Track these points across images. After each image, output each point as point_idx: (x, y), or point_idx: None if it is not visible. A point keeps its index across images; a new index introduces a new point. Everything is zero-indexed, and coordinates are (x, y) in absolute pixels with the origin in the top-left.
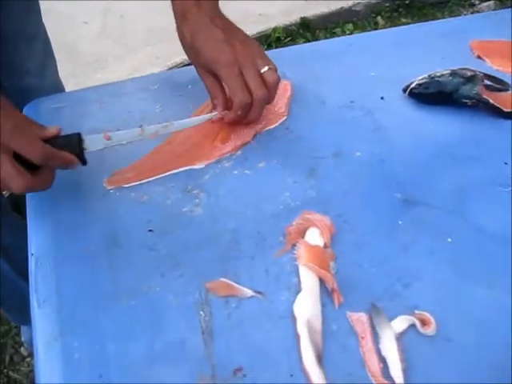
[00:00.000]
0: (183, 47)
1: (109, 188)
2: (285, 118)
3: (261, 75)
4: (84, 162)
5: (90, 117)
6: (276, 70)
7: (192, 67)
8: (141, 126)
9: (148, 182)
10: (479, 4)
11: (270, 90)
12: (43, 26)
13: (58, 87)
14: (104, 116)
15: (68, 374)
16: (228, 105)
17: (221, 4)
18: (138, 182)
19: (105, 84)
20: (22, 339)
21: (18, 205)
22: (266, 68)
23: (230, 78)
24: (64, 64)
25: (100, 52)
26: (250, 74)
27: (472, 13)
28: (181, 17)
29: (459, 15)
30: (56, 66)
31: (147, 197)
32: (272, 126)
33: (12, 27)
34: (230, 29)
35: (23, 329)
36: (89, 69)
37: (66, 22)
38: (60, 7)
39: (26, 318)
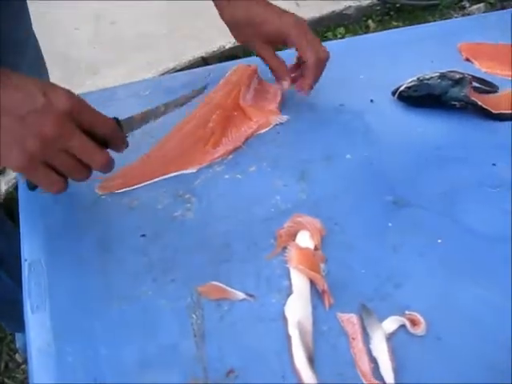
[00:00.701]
0: (232, 27)
1: (100, 194)
2: (276, 122)
3: None
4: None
5: None
6: None
7: (184, 72)
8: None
9: (139, 187)
10: (469, 7)
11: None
12: (33, 33)
13: None
14: None
15: (62, 379)
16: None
17: (213, 9)
18: (130, 188)
19: (96, 90)
20: (17, 346)
21: (11, 211)
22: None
23: (300, 38)
24: (55, 70)
25: (91, 58)
26: (312, 36)
27: (463, 15)
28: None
29: (450, 18)
30: (47, 73)
31: (138, 202)
32: (263, 131)
33: (2, 34)
34: (275, 5)
35: (18, 336)
36: (80, 75)
37: (57, 29)
38: (51, 13)
39: (20, 325)
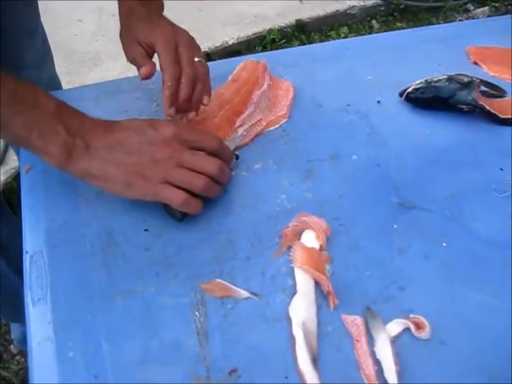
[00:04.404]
0: (121, 33)
1: None
2: (286, 120)
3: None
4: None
5: None
6: (206, 64)
7: None
8: None
9: None
10: (474, 10)
11: (201, 81)
12: (41, 21)
13: (55, 82)
14: (100, 114)
15: (62, 374)
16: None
17: (216, 5)
18: None
19: (101, 82)
20: (12, 337)
21: (9, 201)
22: (197, 59)
23: (164, 50)
24: (58, 62)
25: (94, 50)
26: (184, 53)
27: (467, 18)
28: (127, 13)
29: (454, 20)
30: (53, 62)
31: None
32: (272, 128)
33: (13, 21)
34: (174, 24)
35: (13, 326)
36: (83, 67)
37: (60, 20)
38: (54, 5)
39: (17, 315)
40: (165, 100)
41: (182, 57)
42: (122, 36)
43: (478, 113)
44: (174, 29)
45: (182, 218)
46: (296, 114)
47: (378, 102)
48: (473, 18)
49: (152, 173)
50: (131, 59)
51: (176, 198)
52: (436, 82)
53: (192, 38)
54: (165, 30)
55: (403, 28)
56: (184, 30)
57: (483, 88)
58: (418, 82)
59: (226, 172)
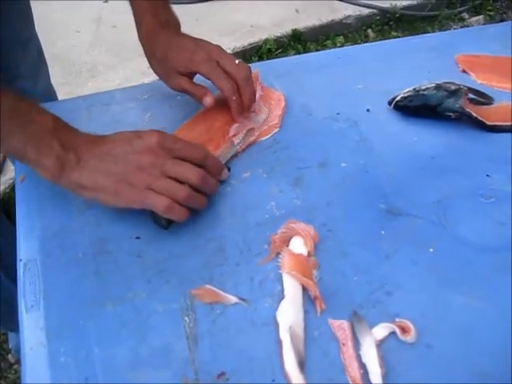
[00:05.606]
0: (153, 63)
1: None
2: (277, 129)
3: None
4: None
5: (79, 126)
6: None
7: None
8: None
9: None
10: (469, 18)
11: (250, 79)
12: (36, 32)
13: (50, 93)
14: (93, 125)
15: (54, 379)
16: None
17: (212, 15)
18: None
19: (94, 93)
20: (10, 346)
21: (8, 211)
22: (237, 61)
23: (211, 71)
24: (56, 72)
25: (92, 61)
26: (226, 63)
27: (462, 27)
28: (147, 37)
29: (449, 29)
30: (48, 72)
31: None
32: (264, 138)
33: (7, 31)
34: (195, 38)
35: (11, 336)
36: (80, 78)
37: (58, 31)
38: (52, 16)
39: (14, 324)
40: (235, 113)
41: (226, 67)
42: (153, 65)
43: (465, 120)
44: (201, 46)
45: (167, 225)
46: (286, 123)
47: (368, 110)
48: (467, 27)
49: (137, 180)
50: (179, 89)
51: (160, 203)
52: (424, 90)
53: (218, 46)
54: (198, 54)
55: (399, 37)
56: (207, 42)
57: (471, 95)
58: (406, 90)
59: (208, 182)
